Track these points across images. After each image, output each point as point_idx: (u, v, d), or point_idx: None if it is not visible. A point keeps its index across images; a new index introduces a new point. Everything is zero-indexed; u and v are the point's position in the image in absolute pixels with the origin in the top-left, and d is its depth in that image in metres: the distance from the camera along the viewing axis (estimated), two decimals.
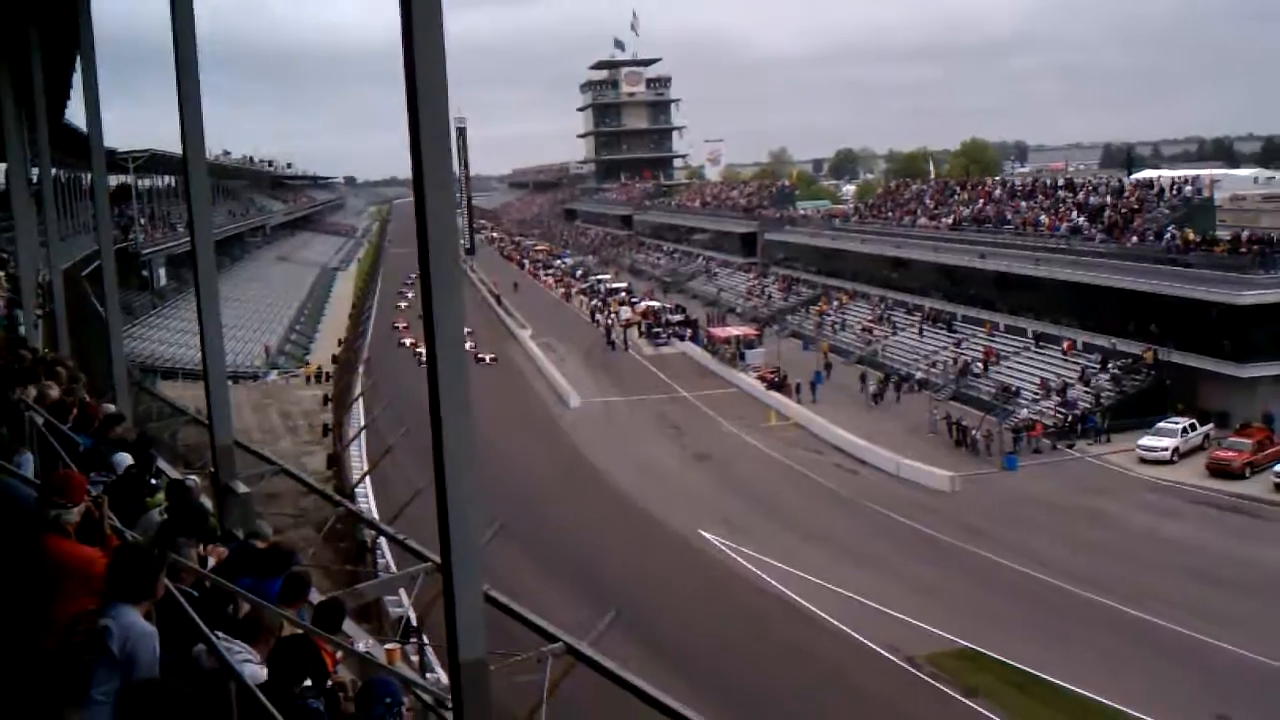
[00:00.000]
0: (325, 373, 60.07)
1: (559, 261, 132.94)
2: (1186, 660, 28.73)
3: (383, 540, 16.44)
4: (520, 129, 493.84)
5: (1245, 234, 56.98)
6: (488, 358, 71.94)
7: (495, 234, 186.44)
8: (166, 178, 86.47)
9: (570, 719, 9.38)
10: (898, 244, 78.65)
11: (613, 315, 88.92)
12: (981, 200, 77.69)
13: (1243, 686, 27.18)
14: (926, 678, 28.37)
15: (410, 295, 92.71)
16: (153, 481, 9.64)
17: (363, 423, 35.79)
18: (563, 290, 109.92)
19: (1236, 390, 48.46)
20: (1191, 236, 55.53)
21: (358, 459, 34.00)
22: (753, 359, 68.50)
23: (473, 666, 5.91)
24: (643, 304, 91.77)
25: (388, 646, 8.92)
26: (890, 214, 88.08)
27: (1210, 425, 47.86)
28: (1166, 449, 46.27)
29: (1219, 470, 43.90)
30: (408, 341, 73.86)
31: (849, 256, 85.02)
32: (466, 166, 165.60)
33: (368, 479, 29.81)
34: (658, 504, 43.09)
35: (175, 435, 19.52)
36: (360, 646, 7.90)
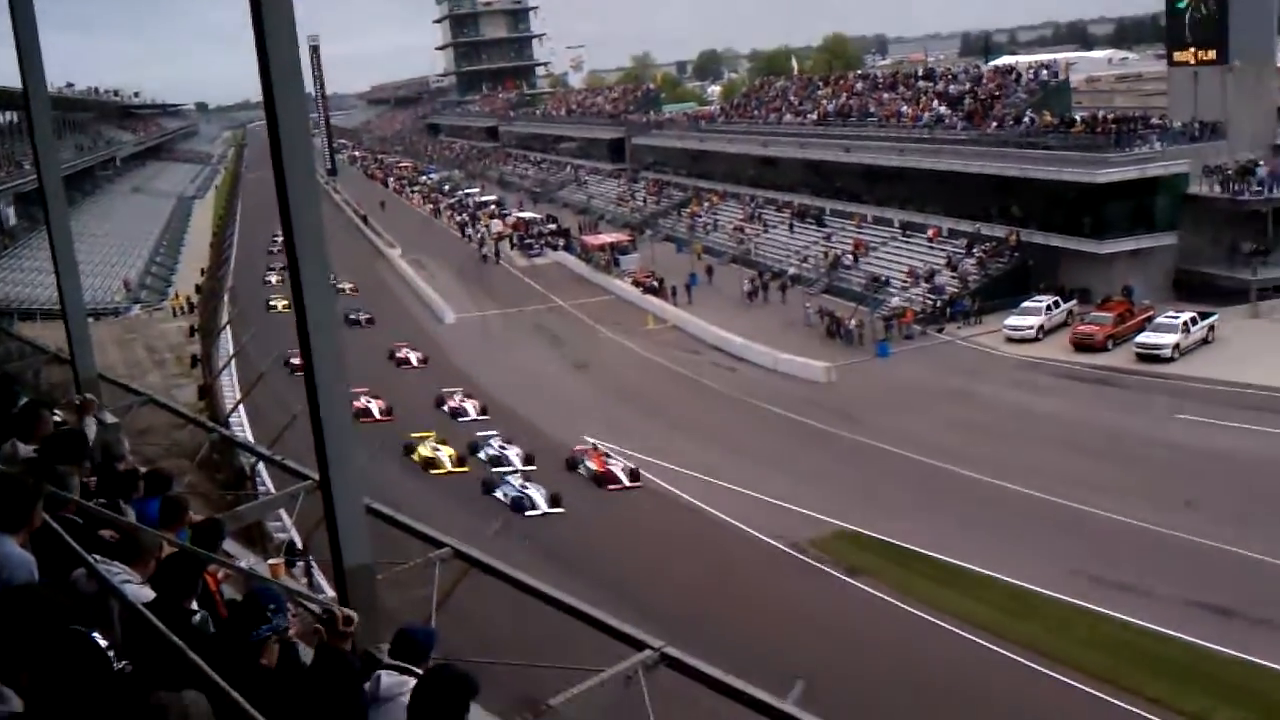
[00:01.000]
0: (193, 303, 58.56)
1: (425, 178, 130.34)
2: (1057, 526, 29.91)
3: (262, 467, 16.15)
4: (376, 44, 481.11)
5: (1101, 114, 58.41)
6: (414, 357, 53.00)
7: (357, 153, 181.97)
8: (9, 114, 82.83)
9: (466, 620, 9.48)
10: (765, 142, 79.02)
11: (483, 229, 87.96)
12: (844, 95, 78.22)
13: (1110, 547, 28.43)
14: (812, 561, 29.19)
15: (275, 277, 70.64)
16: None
17: (232, 351, 35.05)
18: (430, 206, 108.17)
19: (1096, 266, 50.08)
20: (1049, 119, 56.75)
21: (229, 389, 33.37)
22: (627, 265, 68.58)
23: (357, 572, 5.92)
24: (513, 216, 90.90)
25: (271, 562, 8.85)
26: (756, 113, 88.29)
27: (1073, 301, 49.47)
28: (1032, 327, 47.73)
29: (1082, 344, 45.49)
30: None
31: (717, 157, 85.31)
32: (322, 85, 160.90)
33: (241, 408, 29.24)
34: (539, 413, 43.13)
35: (38, 374, 18.95)
36: (243, 564, 7.86)
